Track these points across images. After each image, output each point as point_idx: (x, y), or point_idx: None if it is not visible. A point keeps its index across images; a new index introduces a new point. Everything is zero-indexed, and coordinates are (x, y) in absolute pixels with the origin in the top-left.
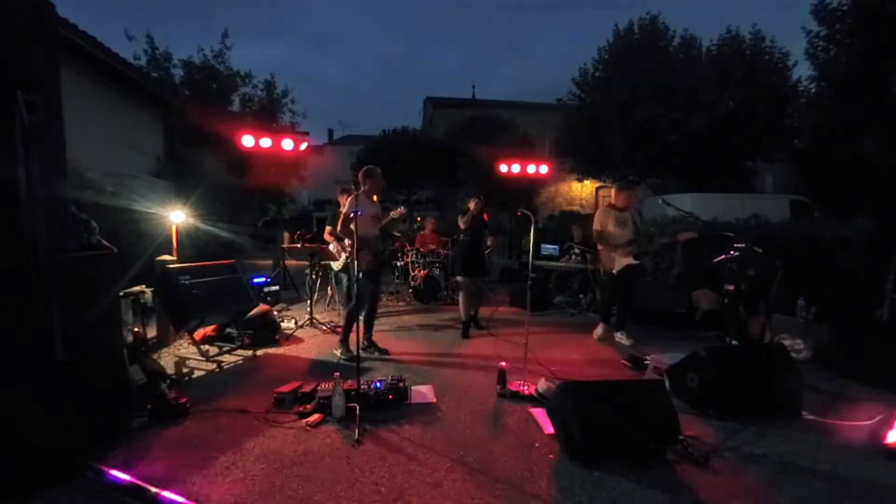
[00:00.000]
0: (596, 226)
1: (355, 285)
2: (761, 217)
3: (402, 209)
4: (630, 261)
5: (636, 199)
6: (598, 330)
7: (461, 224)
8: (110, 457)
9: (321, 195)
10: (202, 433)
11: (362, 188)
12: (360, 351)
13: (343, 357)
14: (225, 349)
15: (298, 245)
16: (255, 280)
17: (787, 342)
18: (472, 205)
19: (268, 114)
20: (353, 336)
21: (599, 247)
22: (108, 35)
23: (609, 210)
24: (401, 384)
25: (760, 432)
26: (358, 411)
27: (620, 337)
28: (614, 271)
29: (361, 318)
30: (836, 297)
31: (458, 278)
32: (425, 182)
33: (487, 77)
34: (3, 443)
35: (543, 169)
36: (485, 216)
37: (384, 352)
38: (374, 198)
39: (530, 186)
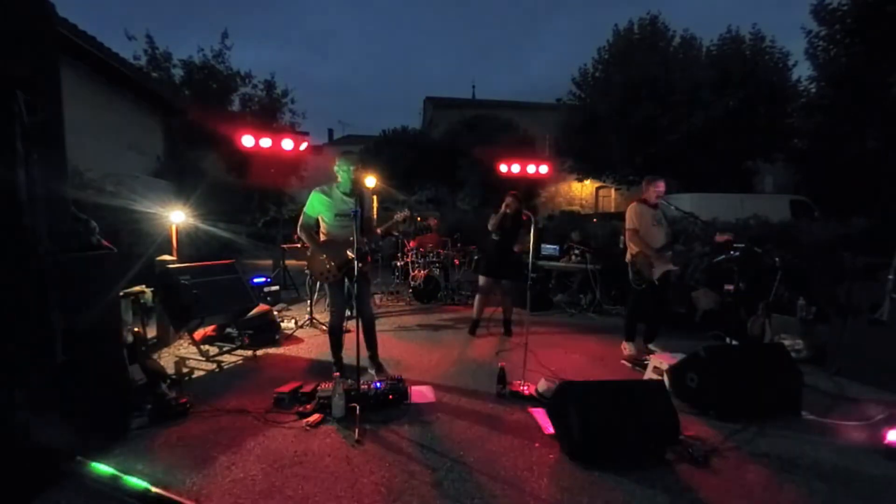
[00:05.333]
0: (632, 225)
1: (329, 297)
2: (761, 217)
3: (406, 212)
4: (669, 266)
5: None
6: (628, 350)
7: (489, 225)
8: (110, 457)
9: None
10: (202, 433)
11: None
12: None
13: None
14: (225, 349)
15: (298, 245)
16: (255, 280)
17: (787, 342)
18: (504, 205)
19: (268, 114)
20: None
21: (634, 249)
22: (108, 35)
23: (644, 208)
24: (401, 384)
25: (760, 432)
26: (358, 411)
27: (653, 348)
28: (655, 279)
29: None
30: (836, 296)
31: (480, 277)
32: (425, 182)
33: (487, 77)
34: (2, 443)
35: (543, 169)
36: (523, 215)
37: (382, 372)
38: (355, 188)
39: (530, 186)
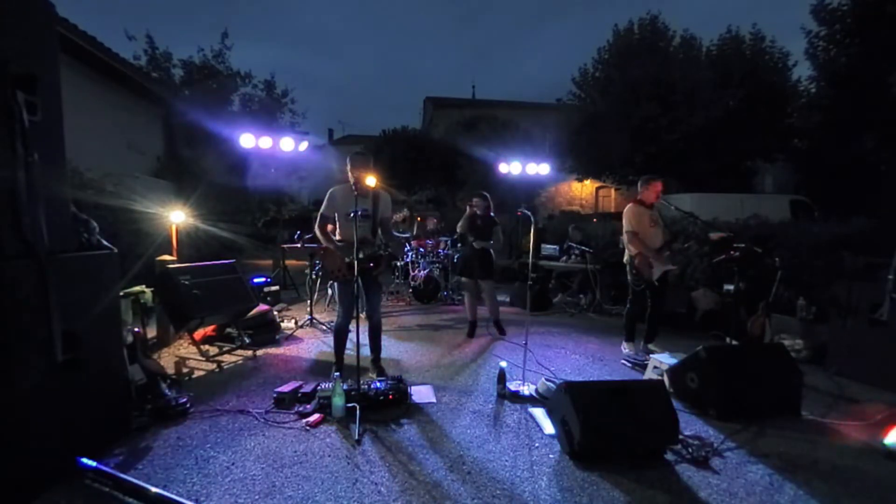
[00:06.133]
0: (630, 227)
1: (336, 298)
2: (761, 217)
3: (405, 212)
4: (668, 266)
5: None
6: (628, 349)
7: (458, 227)
8: (110, 457)
9: (321, 195)
10: (202, 433)
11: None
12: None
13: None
14: (225, 349)
15: (299, 245)
16: (255, 280)
17: (787, 342)
18: (472, 206)
19: (268, 114)
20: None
21: (633, 250)
22: (108, 35)
23: (641, 208)
24: (401, 384)
25: (760, 432)
26: (358, 411)
27: (653, 348)
28: (654, 279)
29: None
30: (836, 296)
31: (462, 279)
32: (425, 182)
33: (487, 77)
34: (3, 443)
35: (543, 169)
36: (489, 211)
37: (383, 375)
38: (371, 189)
39: (530, 186)
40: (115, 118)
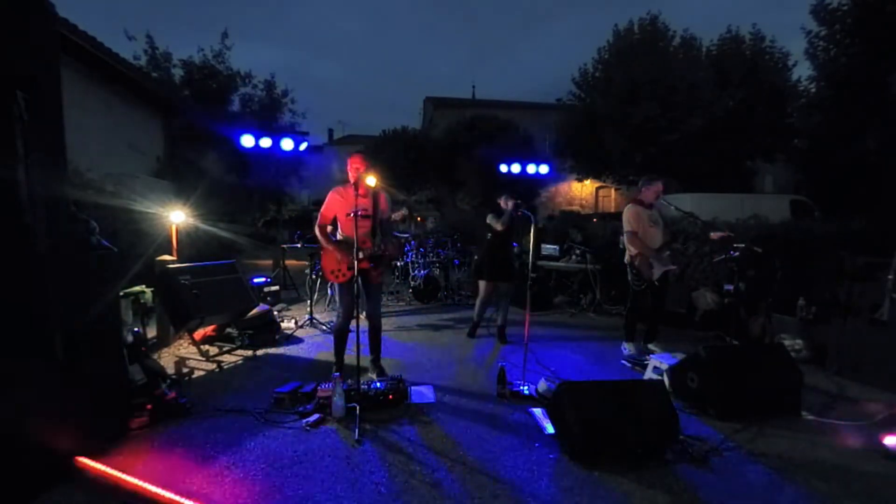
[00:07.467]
0: (630, 227)
1: (336, 299)
2: (761, 217)
3: (404, 211)
4: (669, 266)
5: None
6: (629, 350)
7: (498, 225)
8: (110, 457)
9: (321, 195)
10: (202, 433)
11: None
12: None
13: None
14: (225, 349)
15: (298, 245)
16: (255, 280)
17: (787, 342)
18: (509, 204)
19: (268, 114)
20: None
21: (633, 251)
22: (108, 35)
23: (641, 209)
24: (401, 384)
25: (760, 432)
26: (358, 411)
27: (654, 348)
28: (654, 279)
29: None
30: (836, 296)
31: (481, 283)
32: (425, 182)
33: (487, 77)
34: (3, 443)
35: (543, 169)
36: (518, 212)
37: (383, 375)
38: (370, 189)
39: (530, 186)
40: (116, 118)
